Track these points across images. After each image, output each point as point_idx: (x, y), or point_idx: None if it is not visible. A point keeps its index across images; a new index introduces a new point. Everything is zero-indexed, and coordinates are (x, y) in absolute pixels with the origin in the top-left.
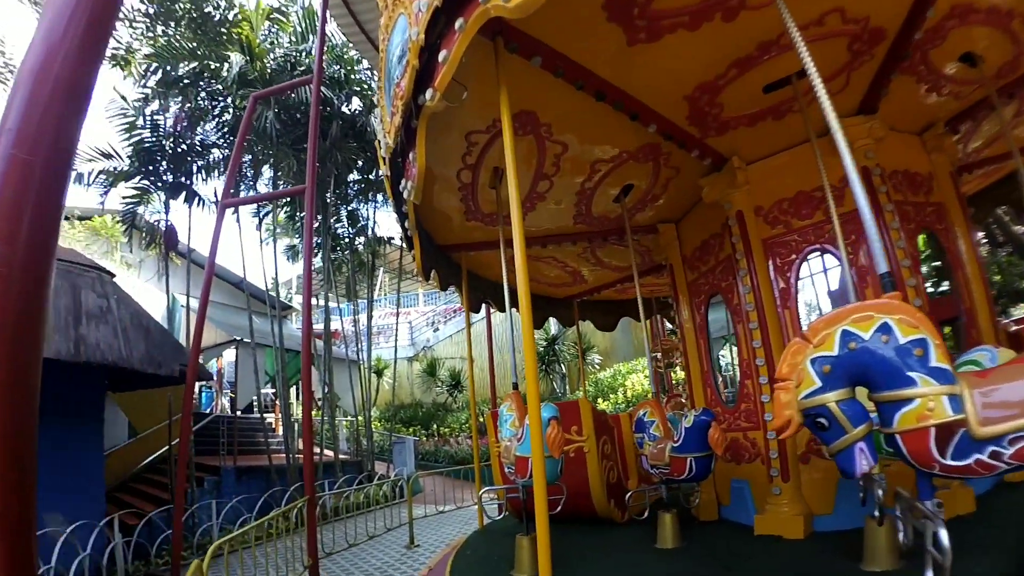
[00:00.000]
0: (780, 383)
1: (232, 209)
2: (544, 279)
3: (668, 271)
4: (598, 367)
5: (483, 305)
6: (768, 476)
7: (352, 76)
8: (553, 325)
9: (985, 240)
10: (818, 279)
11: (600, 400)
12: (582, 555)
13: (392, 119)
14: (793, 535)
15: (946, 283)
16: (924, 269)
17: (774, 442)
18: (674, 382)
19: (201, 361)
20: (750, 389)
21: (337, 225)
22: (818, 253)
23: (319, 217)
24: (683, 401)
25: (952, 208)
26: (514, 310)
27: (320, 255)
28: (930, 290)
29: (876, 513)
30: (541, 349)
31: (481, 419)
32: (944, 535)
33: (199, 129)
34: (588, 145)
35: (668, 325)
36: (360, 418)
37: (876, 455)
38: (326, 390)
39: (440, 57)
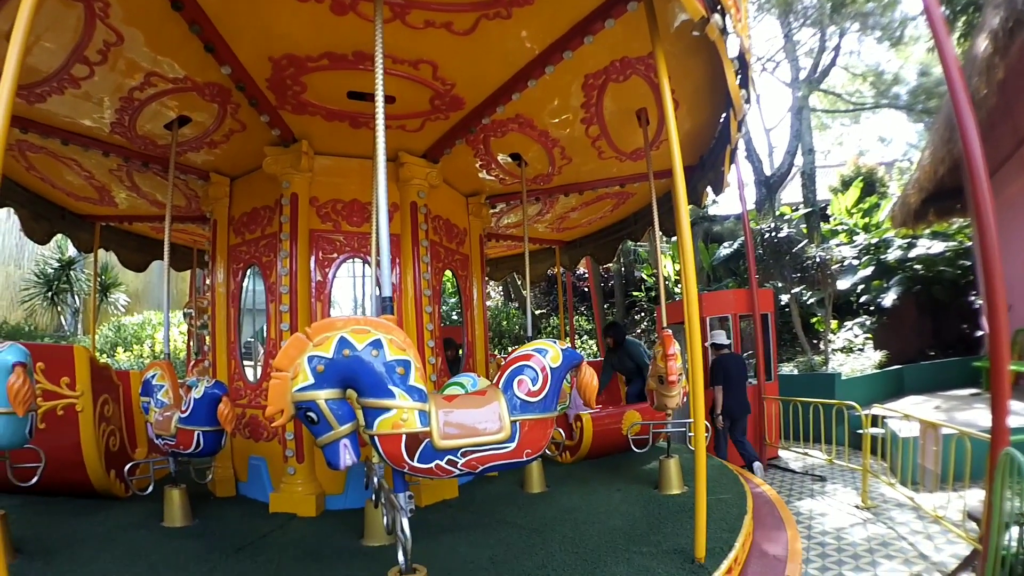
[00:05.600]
0: (277, 373)
1: None
2: (62, 185)
3: (212, 227)
4: (124, 310)
5: None
6: (284, 456)
7: None
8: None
9: (503, 294)
10: (355, 282)
11: (121, 350)
12: (74, 539)
13: None
14: (306, 513)
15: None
16: (453, 301)
17: (290, 423)
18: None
19: None
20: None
21: None
22: (360, 260)
23: None
24: (207, 367)
25: (475, 262)
26: None
27: None
28: (455, 317)
29: (374, 496)
30: (51, 271)
31: None
32: (406, 524)
33: None
34: (151, 52)
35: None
36: None
37: (359, 451)
38: None
39: None
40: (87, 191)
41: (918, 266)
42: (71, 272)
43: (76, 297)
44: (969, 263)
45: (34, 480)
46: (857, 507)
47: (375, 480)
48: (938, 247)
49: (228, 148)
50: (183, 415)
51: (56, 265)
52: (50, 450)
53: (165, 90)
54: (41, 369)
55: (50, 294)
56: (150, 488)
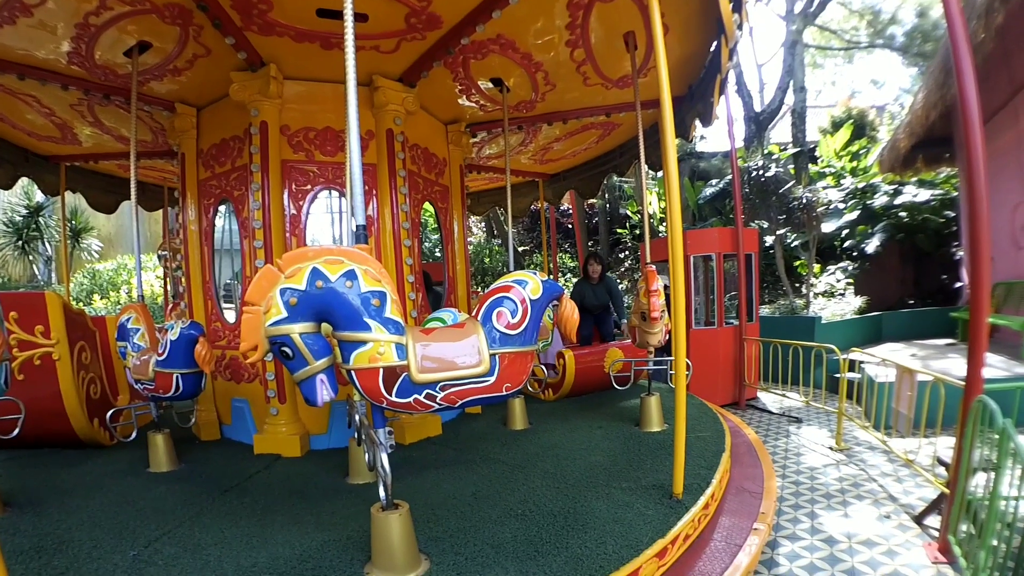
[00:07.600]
0: (249, 307)
1: None
2: (22, 124)
3: (180, 161)
4: (97, 256)
5: None
6: (266, 397)
7: None
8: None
9: (485, 230)
10: (332, 217)
11: (97, 297)
12: (63, 489)
13: None
14: (291, 453)
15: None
16: (436, 237)
17: (271, 363)
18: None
19: None
20: None
21: None
22: (336, 192)
23: None
24: (184, 310)
25: (455, 194)
26: None
27: None
28: (437, 254)
29: (356, 434)
30: (19, 219)
31: None
32: (386, 459)
33: None
34: None
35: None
36: None
37: (336, 386)
38: None
39: None
40: (49, 129)
41: (903, 213)
42: (40, 219)
43: (47, 245)
44: (953, 213)
45: (16, 432)
46: (831, 448)
47: (356, 418)
48: (924, 195)
49: (193, 75)
50: (160, 358)
51: (24, 212)
52: (30, 401)
53: (122, 13)
54: (14, 318)
55: (20, 243)
56: (134, 434)
